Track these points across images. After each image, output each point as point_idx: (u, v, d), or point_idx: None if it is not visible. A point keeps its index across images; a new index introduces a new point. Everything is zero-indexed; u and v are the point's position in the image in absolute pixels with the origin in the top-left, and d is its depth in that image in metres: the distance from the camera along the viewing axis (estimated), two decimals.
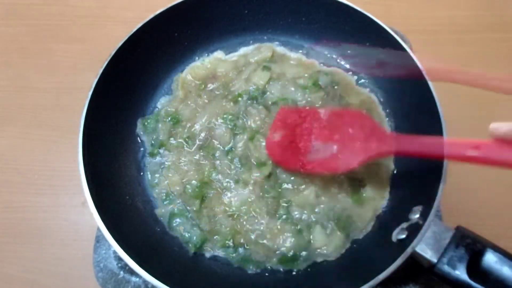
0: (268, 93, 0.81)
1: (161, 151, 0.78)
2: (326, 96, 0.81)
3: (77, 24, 1.05)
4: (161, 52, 0.84)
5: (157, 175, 0.76)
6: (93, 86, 0.71)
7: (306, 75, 0.84)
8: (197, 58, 0.88)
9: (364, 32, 0.81)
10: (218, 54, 0.88)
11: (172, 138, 0.79)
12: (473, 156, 0.53)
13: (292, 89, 0.81)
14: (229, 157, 0.76)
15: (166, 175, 0.76)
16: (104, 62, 0.73)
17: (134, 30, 0.77)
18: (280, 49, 0.89)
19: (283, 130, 0.74)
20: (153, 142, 0.79)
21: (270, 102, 0.80)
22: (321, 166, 0.69)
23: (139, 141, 0.80)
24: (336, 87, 0.83)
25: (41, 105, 0.94)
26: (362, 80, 0.85)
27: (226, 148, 0.77)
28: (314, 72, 0.84)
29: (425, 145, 0.61)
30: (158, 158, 0.78)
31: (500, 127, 0.50)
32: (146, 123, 0.80)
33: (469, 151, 0.54)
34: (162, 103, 0.83)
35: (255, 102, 0.80)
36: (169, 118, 0.80)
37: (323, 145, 0.69)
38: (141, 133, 0.80)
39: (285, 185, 0.73)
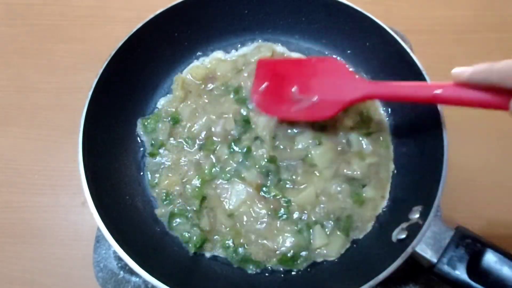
0: None
1: (161, 151, 0.78)
2: None
3: (77, 24, 1.05)
4: (161, 52, 0.84)
5: (157, 175, 0.76)
6: (93, 86, 0.71)
7: None
8: (197, 58, 0.88)
9: (364, 32, 0.81)
10: (218, 54, 0.88)
11: (172, 138, 0.79)
12: (438, 95, 0.59)
13: None
14: (230, 156, 0.76)
15: (166, 175, 0.76)
16: (104, 62, 0.73)
17: (134, 30, 0.77)
18: (280, 49, 0.89)
19: (265, 81, 0.77)
20: (153, 142, 0.79)
21: None
22: (304, 115, 0.73)
23: (139, 141, 0.80)
24: None
25: (41, 105, 0.94)
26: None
27: (226, 146, 0.77)
28: None
29: (396, 88, 0.65)
30: (158, 158, 0.78)
31: (462, 72, 0.56)
32: (146, 123, 0.80)
33: (434, 91, 0.60)
34: (162, 103, 0.83)
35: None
36: (169, 118, 0.80)
37: (304, 95, 0.73)
38: (141, 133, 0.80)
39: (285, 185, 0.74)
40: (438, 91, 0.59)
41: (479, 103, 0.57)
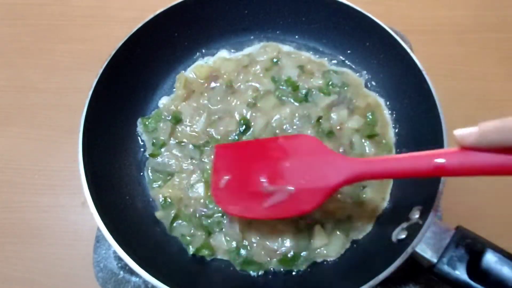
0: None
1: (162, 150, 0.78)
2: (338, 97, 0.81)
3: (77, 24, 1.05)
4: (161, 52, 0.84)
5: (159, 182, 0.76)
6: (93, 86, 0.71)
7: (317, 73, 0.84)
8: (197, 58, 0.88)
9: (364, 32, 0.81)
10: (222, 53, 0.88)
11: (172, 139, 0.79)
12: (441, 165, 0.48)
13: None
14: None
15: (167, 180, 0.75)
16: (104, 62, 0.73)
17: (134, 30, 0.77)
18: (287, 48, 0.89)
19: (226, 173, 0.66)
20: (154, 141, 0.79)
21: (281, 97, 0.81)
22: (278, 212, 0.61)
23: (140, 141, 0.80)
24: (346, 88, 0.83)
25: (41, 105, 0.94)
26: (368, 82, 0.85)
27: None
28: (325, 72, 0.84)
29: (388, 163, 0.55)
30: (159, 159, 0.77)
31: (468, 135, 0.45)
32: (147, 123, 0.80)
33: (436, 160, 0.49)
34: (163, 102, 0.83)
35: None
36: (170, 117, 0.80)
37: (276, 185, 0.61)
38: (142, 132, 0.80)
39: None
40: (440, 161, 0.49)
41: (494, 170, 0.46)
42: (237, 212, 0.65)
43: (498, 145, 0.44)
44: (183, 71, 0.86)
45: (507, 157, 0.44)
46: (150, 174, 0.77)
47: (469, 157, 0.46)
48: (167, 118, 0.80)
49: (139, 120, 0.80)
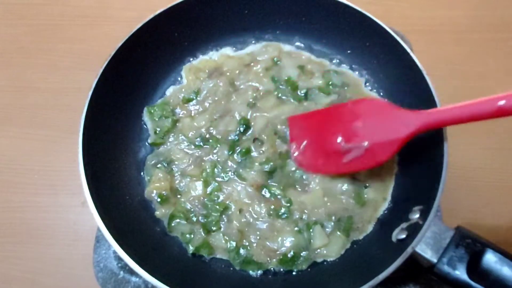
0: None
1: (165, 138, 0.78)
2: (338, 97, 0.81)
3: (77, 24, 1.05)
4: (161, 52, 0.84)
5: (157, 178, 0.76)
6: (93, 86, 0.71)
7: (317, 74, 0.84)
8: (197, 57, 0.88)
9: (364, 32, 0.81)
10: (226, 50, 0.89)
11: (172, 134, 0.79)
12: (503, 106, 0.54)
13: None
14: (232, 153, 0.76)
15: (159, 174, 0.75)
16: (104, 62, 0.73)
17: (134, 30, 0.77)
18: (287, 48, 0.89)
19: (303, 139, 0.74)
20: (157, 130, 0.79)
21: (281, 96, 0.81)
22: (357, 165, 0.68)
23: (140, 141, 0.80)
24: (346, 88, 0.83)
25: (41, 105, 0.94)
26: (368, 82, 0.85)
27: (229, 144, 0.77)
28: (325, 72, 0.84)
29: (454, 111, 0.59)
30: (161, 148, 0.78)
31: None
32: (152, 111, 0.80)
33: (498, 103, 0.54)
34: (171, 91, 0.84)
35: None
36: (182, 98, 0.82)
37: (352, 143, 0.67)
38: (147, 119, 0.81)
39: (288, 187, 0.74)
40: (502, 103, 0.54)
41: None
42: (319, 169, 0.72)
43: None
44: (190, 63, 0.87)
45: None
46: (150, 169, 0.77)
47: None
48: (180, 95, 0.82)
49: (145, 108, 0.81)
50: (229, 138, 0.78)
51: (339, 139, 0.69)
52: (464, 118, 0.58)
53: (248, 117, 0.79)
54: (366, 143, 0.66)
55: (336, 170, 0.71)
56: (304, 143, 0.74)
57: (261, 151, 0.75)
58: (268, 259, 0.69)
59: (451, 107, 0.60)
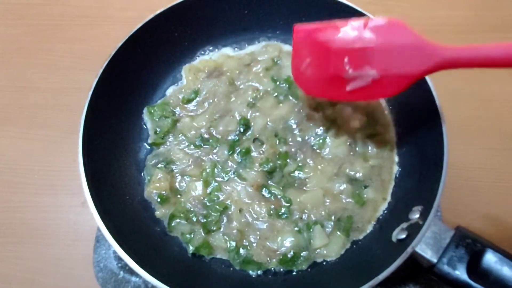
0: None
1: (165, 138, 0.78)
2: None
3: (77, 24, 1.04)
4: (161, 52, 0.84)
5: (157, 177, 0.76)
6: (93, 86, 0.71)
7: None
8: (197, 57, 0.88)
9: None
10: (226, 50, 0.89)
11: (172, 135, 0.79)
12: None
13: None
14: (232, 153, 0.76)
15: (158, 174, 0.75)
16: (104, 62, 0.74)
17: (134, 30, 0.77)
18: (287, 48, 0.88)
19: (307, 55, 0.65)
20: (157, 129, 0.79)
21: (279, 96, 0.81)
22: (361, 95, 0.62)
23: (140, 140, 0.80)
24: None
25: (41, 105, 0.94)
26: None
27: (229, 144, 0.77)
28: None
29: (481, 51, 0.54)
30: (162, 148, 0.78)
31: None
32: (152, 111, 0.80)
33: None
34: (170, 91, 0.84)
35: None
36: (182, 97, 0.81)
37: (359, 70, 0.60)
38: (147, 119, 0.81)
39: (288, 187, 0.74)
40: None
41: None
42: (318, 93, 0.67)
43: None
44: (190, 63, 0.87)
45: None
46: (150, 169, 0.77)
47: None
48: (175, 104, 0.81)
49: (145, 108, 0.81)
50: (229, 138, 0.78)
51: (346, 62, 0.61)
52: (487, 61, 0.54)
53: (248, 117, 0.79)
54: (374, 72, 0.59)
55: (336, 96, 0.66)
56: (307, 60, 0.65)
57: (261, 151, 0.75)
58: (268, 259, 0.69)
59: (477, 47, 0.54)
